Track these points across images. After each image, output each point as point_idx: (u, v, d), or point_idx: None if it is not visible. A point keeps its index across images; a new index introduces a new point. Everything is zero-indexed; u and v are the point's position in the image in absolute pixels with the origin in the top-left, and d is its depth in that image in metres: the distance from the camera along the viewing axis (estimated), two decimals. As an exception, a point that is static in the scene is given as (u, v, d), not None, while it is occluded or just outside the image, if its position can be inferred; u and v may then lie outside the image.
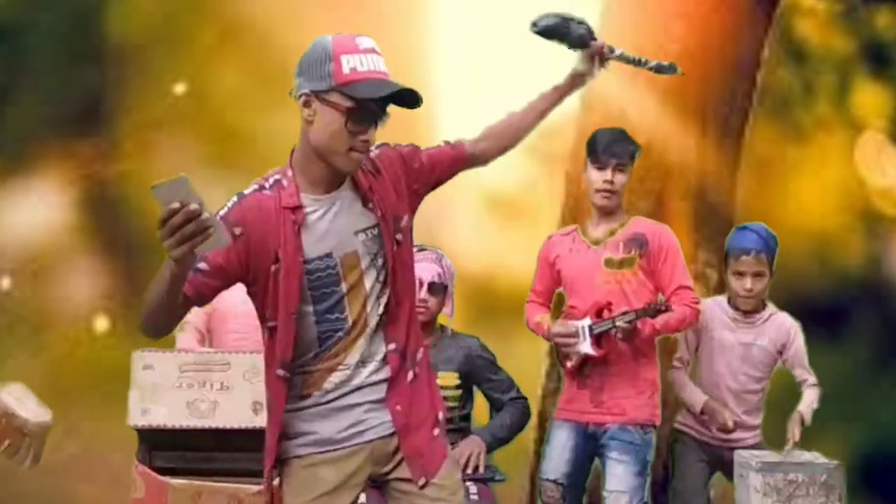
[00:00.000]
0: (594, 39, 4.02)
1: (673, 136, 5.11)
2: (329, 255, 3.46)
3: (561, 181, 6.75)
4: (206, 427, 4.85)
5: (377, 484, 3.68)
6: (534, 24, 4.08)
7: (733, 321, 5.34)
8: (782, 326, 5.35)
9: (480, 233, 6.57)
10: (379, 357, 3.54)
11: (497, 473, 5.13)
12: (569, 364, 5.13)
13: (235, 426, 4.86)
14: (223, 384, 4.88)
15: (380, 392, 3.54)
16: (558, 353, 5.21)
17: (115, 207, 7.01)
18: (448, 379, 5.10)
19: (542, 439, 5.32)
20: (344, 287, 3.48)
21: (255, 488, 4.80)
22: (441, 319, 5.21)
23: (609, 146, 5.05)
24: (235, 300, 5.58)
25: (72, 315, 6.91)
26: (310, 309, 3.47)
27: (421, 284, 5.03)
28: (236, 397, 4.86)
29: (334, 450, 3.54)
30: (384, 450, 3.57)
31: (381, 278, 3.52)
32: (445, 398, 5.14)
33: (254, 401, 4.86)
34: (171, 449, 4.91)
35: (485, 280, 6.55)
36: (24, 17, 7.12)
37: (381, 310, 3.53)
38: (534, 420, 5.97)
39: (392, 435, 3.55)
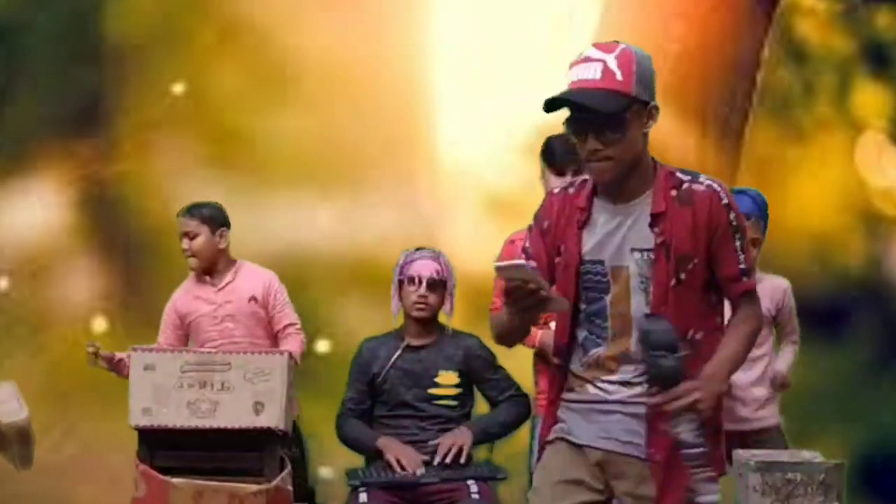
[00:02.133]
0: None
1: (673, 136, 5.11)
2: (601, 263, 3.47)
3: (558, 182, 6.74)
4: (206, 427, 4.85)
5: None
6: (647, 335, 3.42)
7: None
8: (777, 289, 5.27)
9: (480, 233, 6.55)
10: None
11: (498, 472, 5.13)
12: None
13: (236, 426, 4.85)
14: (224, 384, 4.87)
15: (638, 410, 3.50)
16: (540, 359, 5.09)
17: (113, 208, 7.00)
18: (448, 378, 5.11)
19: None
20: (609, 298, 3.47)
21: (256, 487, 4.80)
22: (441, 318, 5.22)
23: (567, 153, 4.91)
24: (207, 310, 5.62)
25: (70, 316, 6.89)
26: (583, 307, 3.51)
27: (420, 281, 5.04)
28: (237, 397, 4.86)
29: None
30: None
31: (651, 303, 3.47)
32: (445, 397, 5.15)
33: (255, 401, 4.85)
34: (172, 449, 4.90)
35: (485, 280, 6.52)
36: (22, 16, 7.10)
37: None
38: (533, 419, 5.96)
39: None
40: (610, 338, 3.49)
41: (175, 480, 4.79)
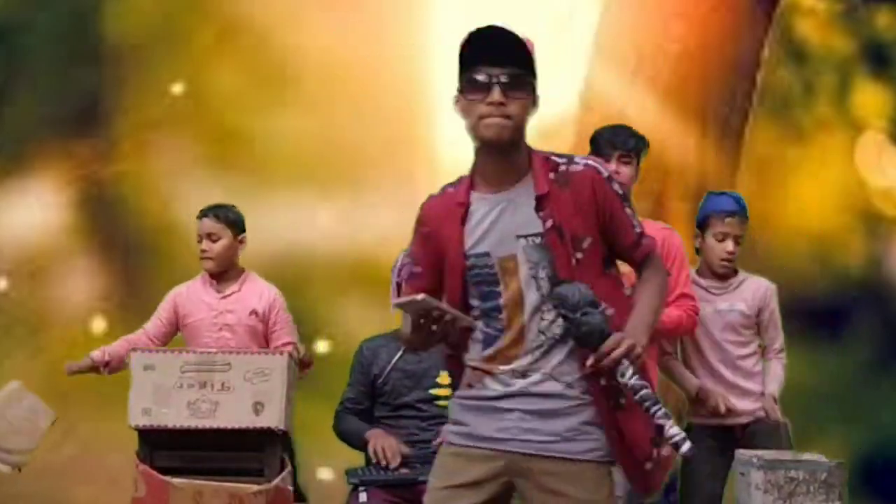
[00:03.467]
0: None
1: (673, 137, 5.11)
2: (486, 255, 3.42)
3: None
4: (206, 427, 4.84)
5: None
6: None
7: (706, 290, 5.26)
8: (759, 290, 5.27)
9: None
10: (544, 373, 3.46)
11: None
12: None
13: (236, 426, 4.85)
14: (224, 384, 4.87)
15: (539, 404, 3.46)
16: None
17: (112, 208, 6.99)
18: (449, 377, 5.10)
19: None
20: (501, 290, 3.43)
21: (256, 487, 4.80)
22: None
23: (612, 138, 4.99)
24: (207, 315, 5.60)
25: (69, 316, 6.89)
26: (476, 304, 3.46)
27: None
28: (237, 398, 4.86)
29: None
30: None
31: (545, 291, 3.42)
32: (447, 397, 5.13)
33: (255, 401, 4.85)
34: (172, 449, 4.90)
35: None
36: (21, 17, 7.10)
37: (545, 325, 3.46)
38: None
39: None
40: (506, 328, 3.44)
41: (175, 480, 4.79)
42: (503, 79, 3.33)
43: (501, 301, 3.41)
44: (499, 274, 3.42)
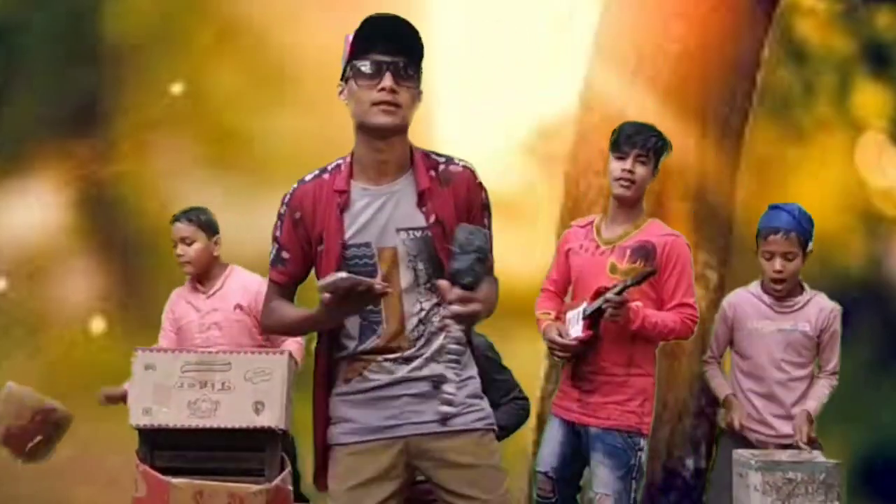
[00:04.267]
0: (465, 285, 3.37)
1: (672, 137, 5.10)
2: (367, 245, 3.47)
3: (560, 182, 6.73)
4: (207, 427, 4.83)
5: None
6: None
7: (770, 308, 5.25)
8: (823, 310, 5.26)
9: (479, 233, 6.54)
10: (425, 358, 3.53)
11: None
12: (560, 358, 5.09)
13: (236, 426, 4.84)
14: (224, 384, 4.86)
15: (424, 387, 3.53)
16: (550, 350, 5.14)
17: (111, 208, 6.98)
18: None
19: (540, 441, 5.31)
20: (378, 280, 3.44)
21: (256, 487, 4.79)
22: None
23: (630, 136, 4.97)
24: (195, 317, 5.60)
25: (68, 316, 6.88)
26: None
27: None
28: (237, 397, 4.85)
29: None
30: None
31: (423, 282, 3.50)
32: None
33: (255, 401, 4.84)
34: (172, 448, 4.89)
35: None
36: (19, 16, 7.09)
37: (423, 314, 3.51)
38: (532, 421, 5.95)
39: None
40: (384, 320, 3.49)
41: (175, 480, 4.78)
42: (395, 67, 3.42)
43: None
44: (378, 264, 3.47)
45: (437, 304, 3.49)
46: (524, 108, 6.57)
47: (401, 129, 3.47)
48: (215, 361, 4.88)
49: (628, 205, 5.03)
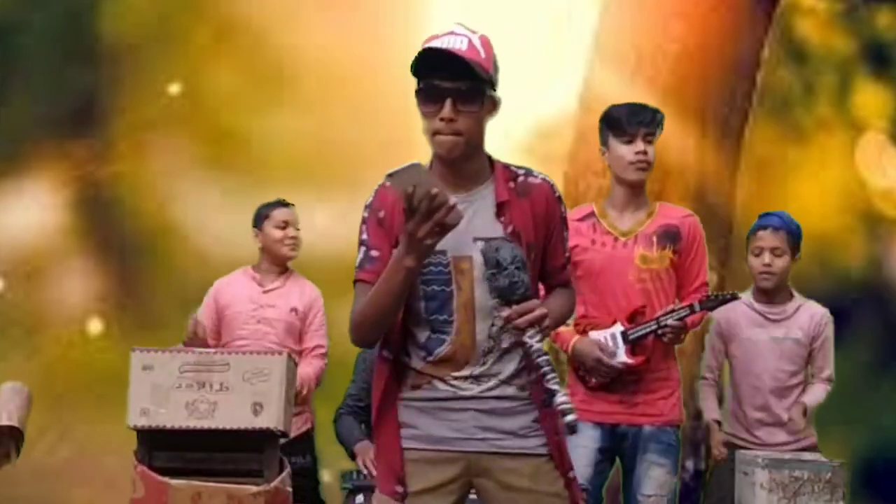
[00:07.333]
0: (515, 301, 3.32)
1: (672, 137, 5.09)
2: (443, 253, 3.37)
3: (559, 182, 6.68)
4: (205, 427, 4.81)
5: None
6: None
7: (761, 315, 5.24)
8: (814, 317, 5.26)
9: (479, 234, 6.54)
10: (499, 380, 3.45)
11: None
12: (592, 382, 4.80)
13: (235, 427, 4.81)
14: (223, 385, 4.83)
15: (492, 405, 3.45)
16: (575, 367, 4.86)
17: (109, 209, 6.97)
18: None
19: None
20: (454, 290, 3.39)
21: (254, 489, 4.77)
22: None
23: (632, 116, 4.76)
24: (246, 308, 5.61)
25: (65, 317, 6.86)
26: (421, 305, 3.41)
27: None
28: (236, 398, 4.82)
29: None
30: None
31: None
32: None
33: (253, 402, 4.82)
34: (170, 449, 4.86)
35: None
36: (16, 16, 7.08)
37: (496, 330, 3.42)
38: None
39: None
40: (455, 332, 3.41)
41: (173, 481, 4.76)
42: (454, 93, 3.31)
43: (453, 304, 3.38)
44: (453, 274, 3.39)
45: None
46: (523, 109, 6.55)
47: (465, 155, 3.38)
48: (213, 362, 4.86)
49: (640, 190, 4.84)
